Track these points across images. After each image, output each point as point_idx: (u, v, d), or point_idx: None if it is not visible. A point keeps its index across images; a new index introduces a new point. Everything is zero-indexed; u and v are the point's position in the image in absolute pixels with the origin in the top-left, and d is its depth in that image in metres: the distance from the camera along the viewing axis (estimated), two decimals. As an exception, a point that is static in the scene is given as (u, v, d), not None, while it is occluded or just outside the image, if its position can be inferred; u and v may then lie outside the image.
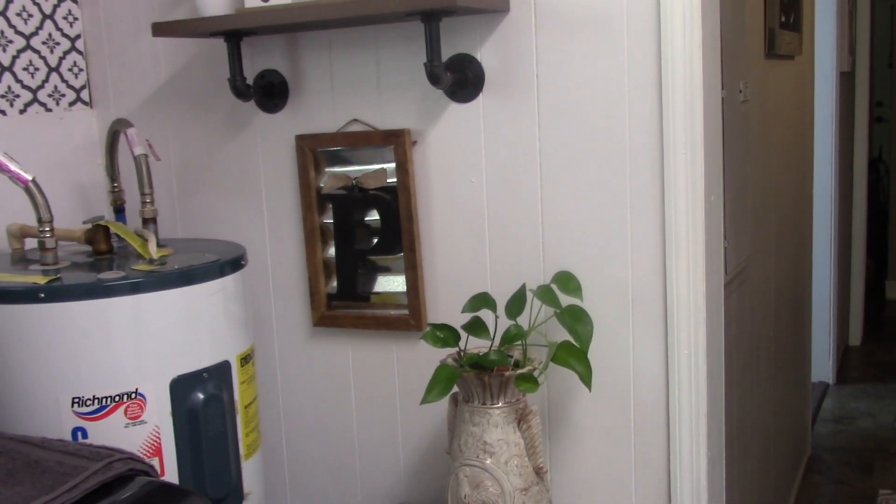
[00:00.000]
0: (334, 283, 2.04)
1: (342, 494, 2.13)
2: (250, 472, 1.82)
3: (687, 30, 1.70)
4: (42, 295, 1.57)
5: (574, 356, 1.67)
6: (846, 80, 4.41)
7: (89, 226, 1.86)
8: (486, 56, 1.84)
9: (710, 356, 1.80)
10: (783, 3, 2.72)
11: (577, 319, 1.69)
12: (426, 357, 1.88)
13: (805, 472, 3.42)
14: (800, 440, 3.42)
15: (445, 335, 1.72)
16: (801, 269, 3.36)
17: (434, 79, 1.78)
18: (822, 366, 4.27)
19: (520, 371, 1.66)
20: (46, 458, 1.33)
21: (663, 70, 1.71)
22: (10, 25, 2.05)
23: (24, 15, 2.08)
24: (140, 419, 1.63)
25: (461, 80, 1.86)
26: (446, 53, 1.83)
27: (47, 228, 1.73)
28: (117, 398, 1.61)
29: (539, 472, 1.71)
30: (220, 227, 2.15)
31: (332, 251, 2.03)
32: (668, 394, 1.79)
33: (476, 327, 1.71)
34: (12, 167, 1.69)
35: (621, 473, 1.85)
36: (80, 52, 2.22)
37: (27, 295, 1.58)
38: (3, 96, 2.04)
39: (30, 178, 1.70)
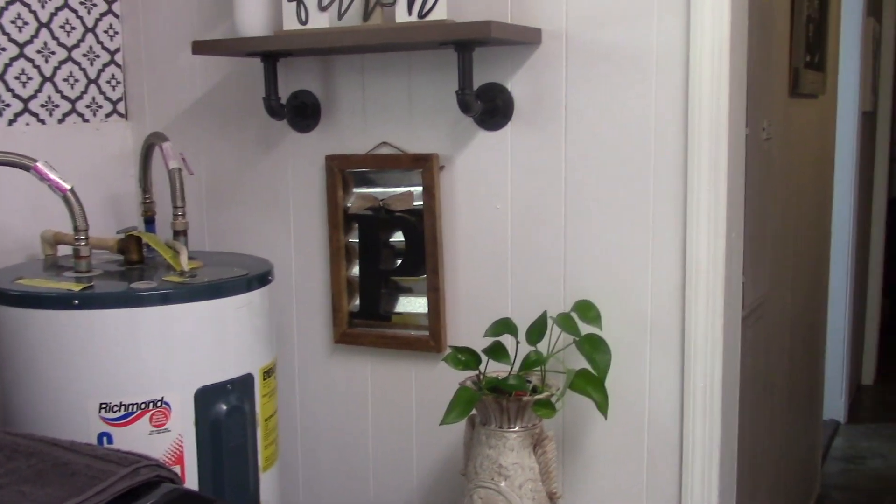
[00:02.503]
0: (357, 302, 2.08)
1: (355, 510, 2.16)
2: (267, 485, 1.85)
3: (715, 67, 1.73)
4: (76, 302, 1.62)
5: (591, 384, 1.70)
6: (868, 120, 4.43)
7: (122, 235, 1.91)
8: (517, 86, 1.88)
9: (725, 389, 1.82)
10: (808, 42, 2.75)
11: (595, 348, 1.72)
12: (444, 378, 1.92)
13: (814, 510, 3.42)
14: (809, 478, 3.42)
15: (467, 358, 1.75)
16: (817, 306, 3.37)
17: (465, 106, 1.82)
18: (834, 404, 4.26)
19: (538, 396, 1.69)
20: (76, 461, 1.36)
21: (690, 106, 1.74)
22: (54, 37, 2.11)
23: (67, 27, 2.14)
24: (164, 427, 1.66)
25: (491, 108, 1.90)
26: (477, 82, 1.87)
27: (83, 237, 1.78)
28: (143, 405, 1.64)
29: (552, 498, 1.73)
30: (247, 242, 2.19)
31: (356, 270, 2.07)
32: (682, 425, 1.82)
33: (497, 352, 1.74)
34: (52, 176, 1.73)
35: (633, 502, 1.87)
36: (118, 66, 2.28)
37: (62, 301, 1.62)
38: (42, 106, 2.09)
39: (68, 187, 1.75)
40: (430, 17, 1.75)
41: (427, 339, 2.00)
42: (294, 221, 2.14)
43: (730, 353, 1.85)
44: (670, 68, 1.76)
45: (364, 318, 2.07)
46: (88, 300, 1.63)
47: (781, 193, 2.58)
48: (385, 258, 2.04)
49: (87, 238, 1.79)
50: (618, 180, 1.82)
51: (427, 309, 1.99)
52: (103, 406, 1.63)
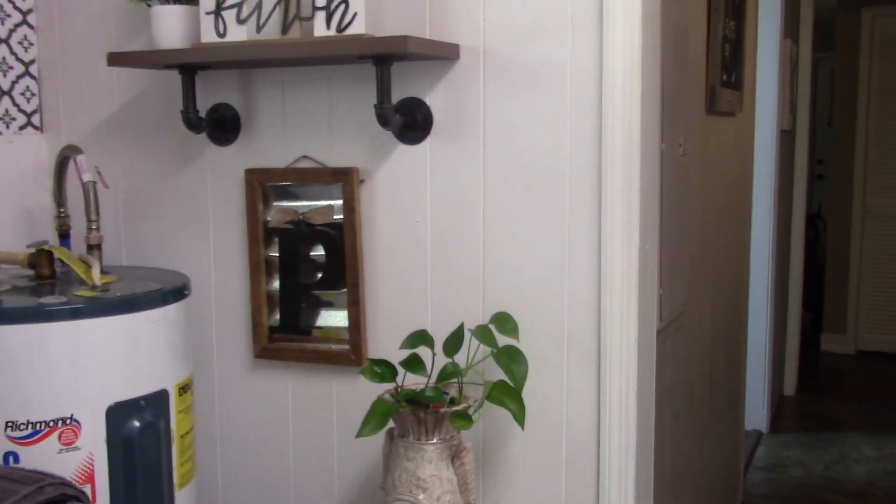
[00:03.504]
0: (277, 316, 2.06)
1: (276, 527, 2.14)
2: (183, 502, 1.82)
3: (627, 84, 1.77)
4: (-19, 317, 1.58)
5: (508, 395, 1.71)
6: (786, 138, 4.57)
7: (33, 250, 1.87)
8: (435, 101, 1.90)
9: (640, 399, 1.85)
10: (724, 62, 2.84)
11: (512, 359, 1.74)
12: (365, 392, 1.91)
13: (736, 519, 3.50)
14: (732, 487, 3.49)
15: (383, 370, 1.75)
16: (737, 319, 3.45)
17: (384, 120, 1.83)
18: (757, 414, 4.37)
19: (455, 408, 1.69)
20: (-24, 481, 1.32)
21: (603, 121, 1.78)
22: (-36, 48, 2.06)
23: (-21, 38, 2.09)
24: (74, 445, 1.63)
25: (410, 122, 1.91)
26: (396, 96, 1.89)
27: (-10, 251, 1.73)
28: (52, 423, 1.61)
29: (471, 509, 1.74)
30: (165, 257, 2.16)
31: (276, 284, 2.06)
32: (598, 435, 1.84)
33: (413, 364, 1.74)
34: (-42, 189, 1.69)
35: (552, 512, 1.89)
36: (33, 77, 2.23)
37: (-34, 316, 1.58)
38: (-48, 117, 2.04)
39: (-25, 200, 1.70)
40: (349, 32, 1.76)
41: (348, 353, 1.99)
42: (213, 235, 2.12)
43: (645, 363, 1.89)
44: (584, 84, 1.79)
45: (284, 332, 2.06)
46: (-5, 315, 1.59)
47: (699, 207, 2.64)
48: (305, 272, 2.03)
49: (-5, 252, 1.74)
50: (534, 193, 1.84)
51: (348, 322, 1.99)
52: (9, 424, 1.59)
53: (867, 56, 5.72)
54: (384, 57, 1.78)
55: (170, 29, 1.91)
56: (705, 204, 2.73)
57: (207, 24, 1.86)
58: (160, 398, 1.74)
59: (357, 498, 2.05)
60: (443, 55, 1.84)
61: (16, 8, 2.18)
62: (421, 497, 1.69)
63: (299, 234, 2.01)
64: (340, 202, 1.97)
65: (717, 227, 2.93)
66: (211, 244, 2.12)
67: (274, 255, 2.05)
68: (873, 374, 5.57)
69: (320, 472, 2.08)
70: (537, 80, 1.82)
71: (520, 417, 1.70)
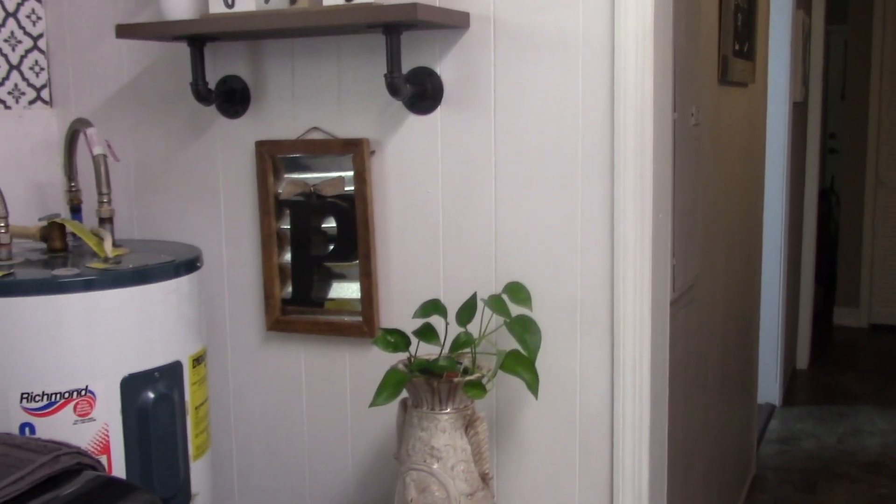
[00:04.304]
0: (289, 289, 2.06)
1: (291, 497, 2.14)
2: (199, 473, 1.83)
3: (639, 53, 1.75)
4: (-6, 289, 1.58)
5: (522, 365, 1.71)
6: (799, 110, 4.53)
7: (45, 223, 1.87)
8: (446, 70, 1.88)
9: (654, 370, 1.84)
10: (737, 31, 2.81)
11: (525, 329, 1.73)
12: (378, 363, 1.91)
13: (749, 491, 3.50)
14: (745, 459, 3.49)
15: (396, 340, 1.74)
16: (750, 291, 3.44)
17: (394, 90, 1.82)
18: (770, 388, 4.36)
19: (468, 378, 1.69)
20: (-7, 450, 1.33)
21: (616, 90, 1.76)
22: (-27, 22, 2.05)
23: (-13, 12, 2.09)
24: (89, 416, 1.63)
25: (420, 92, 1.90)
26: (407, 66, 1.87)
27: (2, 224, 1.73)
28: (67, 395, 1.61)
29: (484, 478, 1.74)
30: (177, 230, 2.16)
31: (288, 257, 2.06)
32: (612, 405, 1.84)
33: (426, 333, 1.74)
34: (-31, 161, 1.69)
35: (565, 481, 1.89)
36: (42, 51, 2.22)
37: (-21, 289, 1.58)
38: (-38, 92, 2.04)
39: (-14, 173, 1.70)
40: (357, 0, 1.75)
41: (360, 325, 1.99)
42: (224, 208, 2.11)
43: (658, 334, 1.88)
44: (596, 52, 1.78)
45: (297, 304, 2.06)
46: (8, 287, 1.59)
47: (712, 178, 2.62)
48: (317, 244, 2.02)
49: (7, 225, 1.74)
50: (546, 163, 1.83)
51: (360, 294, 1.98)
52: (25, 396, 1.59)
53: (880, 29, 5.66)
54: (394, 25, 1.77)
55: (178, 0, 1.90)
56: (718, 175, 2.71)
57: (216, -6, 1.84)
58: (174, 370, 1.74)
59: (371, 468, 2.06)
60: (453, 24, 1.83)
61: (23, -18, 2.17)
62: (435, 466, 1.69)
63: (310, 206, 2.01)
64: (351, 173, 1.96)
65: (729, 198, 2.91)
66: (222, 217, 2.12)
67: (285, 227, 2.05)
68: (886, 348, 5.55)
69: (334, 442, 2.08)
70: (548, 49, 1.80)
71: (533, 386, 1.69)
